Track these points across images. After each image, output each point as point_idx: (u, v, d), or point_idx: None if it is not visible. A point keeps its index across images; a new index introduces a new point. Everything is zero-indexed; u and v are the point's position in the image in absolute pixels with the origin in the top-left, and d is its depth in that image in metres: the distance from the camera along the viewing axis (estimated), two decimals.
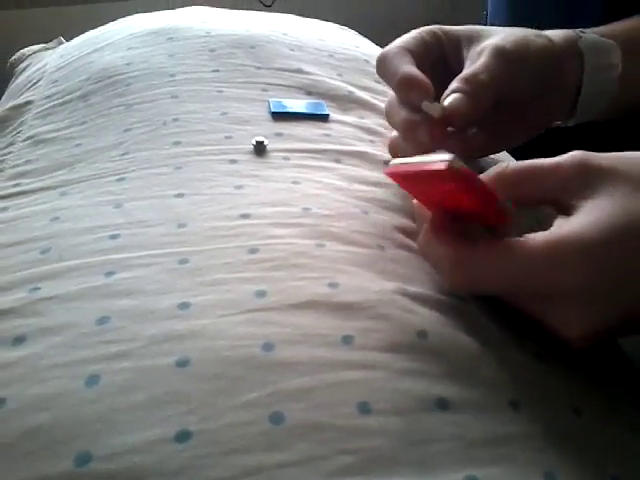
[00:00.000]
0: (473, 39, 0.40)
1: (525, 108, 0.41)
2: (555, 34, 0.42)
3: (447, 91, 0.37)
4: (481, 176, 0.31)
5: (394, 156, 0.41)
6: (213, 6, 0.70)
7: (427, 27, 0.41)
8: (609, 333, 0.29)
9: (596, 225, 0.27)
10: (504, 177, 0.31)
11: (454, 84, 0.37)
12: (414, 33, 0.41)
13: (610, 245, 0.27)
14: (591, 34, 0.42)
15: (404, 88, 0.37)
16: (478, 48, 0.39)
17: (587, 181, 0.29)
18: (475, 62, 0.38)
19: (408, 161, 0.29)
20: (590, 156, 0.30)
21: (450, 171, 0.26)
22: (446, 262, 0.29)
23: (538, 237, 0.28)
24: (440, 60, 0.41)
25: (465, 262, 0.29)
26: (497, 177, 0.31)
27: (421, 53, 0.39)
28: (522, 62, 0.38)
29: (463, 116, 0.36)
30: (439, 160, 0.27)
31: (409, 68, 0.37)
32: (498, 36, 0.39)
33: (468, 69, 0.38)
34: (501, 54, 0.37)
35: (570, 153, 0.30)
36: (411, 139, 0.37)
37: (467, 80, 0.36)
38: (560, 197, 0.29)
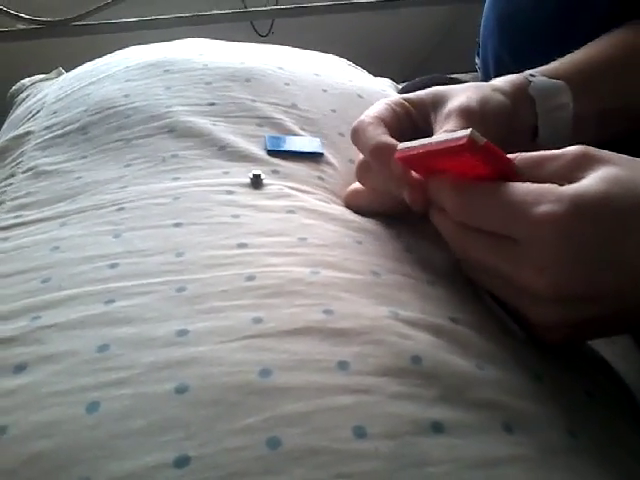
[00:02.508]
0: (438, 103, 0.42)
1: None
2: (506, 83, 0.43)
3: None
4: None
5: (350, 206, 0.42)
6: (209, 36, 0.72)
7: (393, 98, 0.43)
8: (584, 311, 0.29)
9: (585, 184, 0.29)
10: (519, 162, 0.33)
11: None
12: (384, 105, 0.42)
13: (595, 201, 0.28)
14: (540, 77, 0.44)
15: (377, 155, 0.38)
16: (445, 111, 0.40)
17: (588, 164, 0.30)
18: (443, 125, 0.39)
19: (416, 144, 0.32)
20: (591, 148, 0.31)
21: (470, 144, 0.29)
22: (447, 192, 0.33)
23: (526, 183, 0.30)
24: (409, 128, 0.42)
25: (462, 189, 0.32)
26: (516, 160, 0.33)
27: (393, 122, 0.41)
28: (483, 120, 0.40)
29: None
30: (457, 137, 0.29)
31: (385, 137, 0.38)
32: (461, 97, 0.40)
33: (440, 131, 0.39)
34: (467, 115, 0.39)
35: (572, 146, 0.32)
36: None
37: None
38: (566, 177, 0.30)
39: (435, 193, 0.34)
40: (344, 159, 0.48)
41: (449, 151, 0.30)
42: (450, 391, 0.27)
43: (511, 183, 0.31)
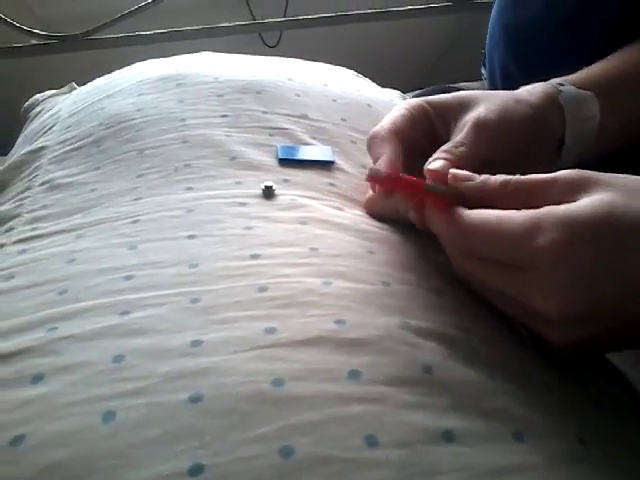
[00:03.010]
0: (461, 109, 0.42)
1: (509, 164, 0.43)
2: (535, 92, 0.44)
3: (429, 160, 0.39)
4: (490, 178, 0.35)
5: (369, 212, 0.43)
6: (218, 48, 0.73)
7: (415, 101, 0.43)
8: (593, 329, 0.30)
9: (580, 207, 0.30)
10: (509, 186, 0.34)
11: (435, 154, 0.39)
12: (403, 110, 0.42)
13: (587, 222, 0.29)
14: (569, 87, 0.44)
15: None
16: (464, 120, 0.41)
17: (584, 187, 0.31)
18: (456, 134, 0.40)
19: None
20: (585, 170, 0.32)
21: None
22: (446, 228, 0.34)
23: (524, 210, 0.31)
24: (429, 133, 0.43)
25: (459, 226, 0.33)
26: (502, 185, 0.34)
27: (409, 132, 0.41)
28: (500, 131, 0.40)
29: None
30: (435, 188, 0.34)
31: (384, 159, 0.39)
32: (480, 108, 0.41)
33: (449, 142, 0.40)
34: (481, 127, 0.39)
35: (567, 170, 0.32)
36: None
37: (447, 151, 0.39)
38: (558, 202, 0.31)
39: (432, 225, 0.35)
40: (356, 164, 0.49)
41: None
42: (461, 400, 0.28)
43: (507, 212, 0.31)
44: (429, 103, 0.43)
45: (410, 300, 0.34)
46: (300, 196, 0.43)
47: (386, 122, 0.42)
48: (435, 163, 0.37)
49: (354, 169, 0.48)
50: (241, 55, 0.70)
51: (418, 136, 0.42)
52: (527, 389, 0.29)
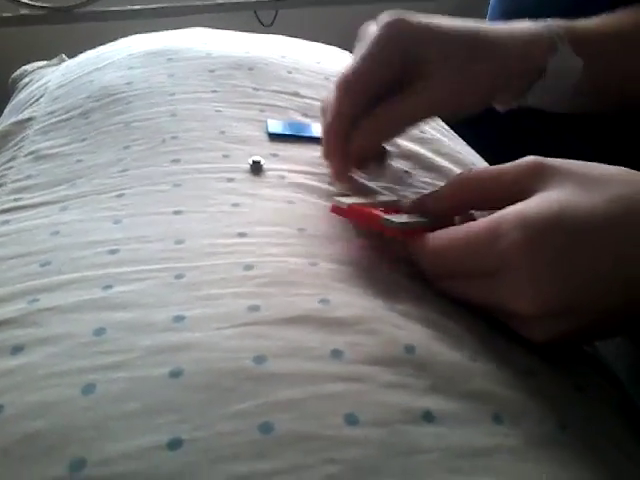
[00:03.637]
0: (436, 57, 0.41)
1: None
2: (533, 46, 0.43)
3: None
4: (448, 184, 0.36)
5: None
6: (212, 25, 0.72)
7: (398, 39, 0.40)
8: (568, 322, 0.30)
9: (537, 205, 0.30)
10: (467, 181, 0.35)
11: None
12: (380, 54, 0.40)
13: (547, 223, 0.29)
14: (566, 50, 0.44)
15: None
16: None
17: (541, 176, 0.31)
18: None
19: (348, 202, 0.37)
20: (542, 158, 0.32)
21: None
22: (415, 255, 0.34)
23: (482, 220, 0.31)
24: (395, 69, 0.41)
25: (426, 251, 0.33)
26: (460, 181, 0.35)
27: (379, 79, 0.40)
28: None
29: None
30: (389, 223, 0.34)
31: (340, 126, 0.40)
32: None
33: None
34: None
35: (526, 157, 0.33)
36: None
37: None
38: (517, 193, 0.31)
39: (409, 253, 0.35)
40: None
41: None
42: (442, 381, 0.28)
43: (466, 225, 0.32)
44: (414, 39, 0.41)
45: (397, 283, 0.34)
46: (289, 171, 0.43)
47: (361, 68, 0.40)
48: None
49: None
50: (234, 32, 0.69)
51: (383, 77, 0.41)
52: (508, 372, 0.29)
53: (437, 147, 0.51)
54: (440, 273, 0.33)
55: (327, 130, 0.41)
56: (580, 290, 0.29)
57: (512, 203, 0.31)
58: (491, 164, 0.53)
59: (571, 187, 0.30)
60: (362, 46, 0.41)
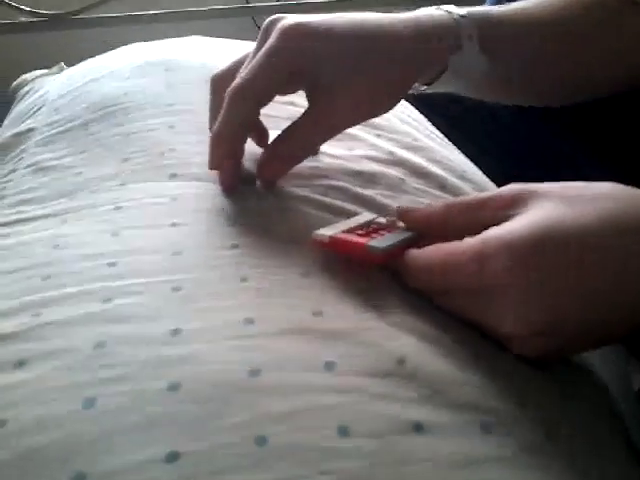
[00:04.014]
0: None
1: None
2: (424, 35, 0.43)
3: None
4: (437, 206, 0.37)
5: None
6: (211, 31, 0.73)
7: (295, 48, 0.40)
8: (556, 340, 0.31)
9: (519, 226, 0.31)
10: (456, 208, 0.35)
11: None
12: (278, 65, 0.40)
13: (531, 244, 0.30)
14: (472, 49, 0.44)
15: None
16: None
17: (524, 200, 0.32)
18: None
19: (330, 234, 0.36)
20: (525, 184, 0.33)
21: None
22: (403, 272, 0.35)
23: (467, 240, 0.32)
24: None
25: (412, 269, 0.34)
26: (449, 207, 0.36)
27: (272, 89, 0.41)
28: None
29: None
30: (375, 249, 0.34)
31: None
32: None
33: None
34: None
35: (511, 184, 0.34)
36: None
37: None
38: (502, 218, 0.32)
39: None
40: (343, 148, 0.49)
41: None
42: (432, 392, 0.28)
43: (451, 245, 0.32)
44: (310, 49, 0.40)
45: (390, 293, 0.34)
46: (283, 183, 0.43)
47: (255, 72, 0.40)
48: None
49: (340, 151, 0.49)
50: (230, 40, 0.70)
51: (276, 87, 0.41)
52: (497, 382, 0.30)
53: (429, 155, 0.51)
54: (427, 288, 0.34)
55: (217, 136, 0.41)
56: (567, 308, 0.30)
57: (498, 223, 0.32)
58: (487, 172, 0.54)
59: (552, 207, 0.31)
60: (258, 51, 0.41)
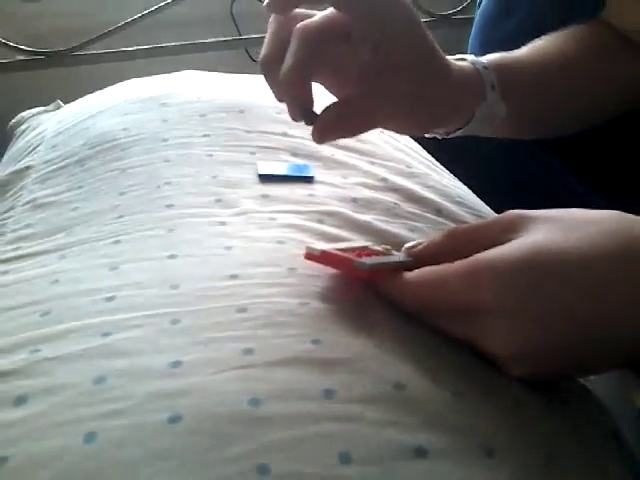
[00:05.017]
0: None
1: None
2: (469, 88, 0.46)
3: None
4: (436, 236, 0.37)
5: None
6: (205, 62, 0.74)
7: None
8: (549, 364, 0.31)
9: (508, 249, 0.31)
10: (456, 236, 0.36)
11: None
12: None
13: (517, 265, 0.30)
14: (494, 97, 0.46)
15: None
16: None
17: (520, 225, 0.33)
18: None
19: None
20: (524, 211, 0.34)
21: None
22: (395, 294, 0.35)
23: (457, 263, 0.32)
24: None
25: (405, 291, 0.35)
26: (449, 236, 0.36)
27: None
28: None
29: None
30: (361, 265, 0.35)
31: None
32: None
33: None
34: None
35: (510, 211, 0.35)
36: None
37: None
38: (497, 242, 0.33)
39: (385, 291, 0.36)
40: (337, 176, 0.50)
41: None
42: (432, 417, 0.28)
43: (443, 267, 0.33)
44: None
45: (387, 320, 0.34)
46: (279, 212, 0.44)
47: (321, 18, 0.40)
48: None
49: (335, 179, 0.49)
50: (224, 74, 0.71)
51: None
52: (496, 405, 0.30)
53: (423, 180, 0.52)
54: (419, 310, 0.35)
55: (292, 68, 0.39)
56: (555, 330, 0.30)
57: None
58: (483, 196, 0.55)
59: (546, 231, 0.31)
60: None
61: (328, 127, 0.41)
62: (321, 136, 0.41)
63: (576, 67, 0.51)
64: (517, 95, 0.48)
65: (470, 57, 0.48)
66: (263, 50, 0.42)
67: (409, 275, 0.35)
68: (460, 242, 0.35)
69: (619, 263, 0.30)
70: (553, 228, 0.32)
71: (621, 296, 0.30)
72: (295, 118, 0.41)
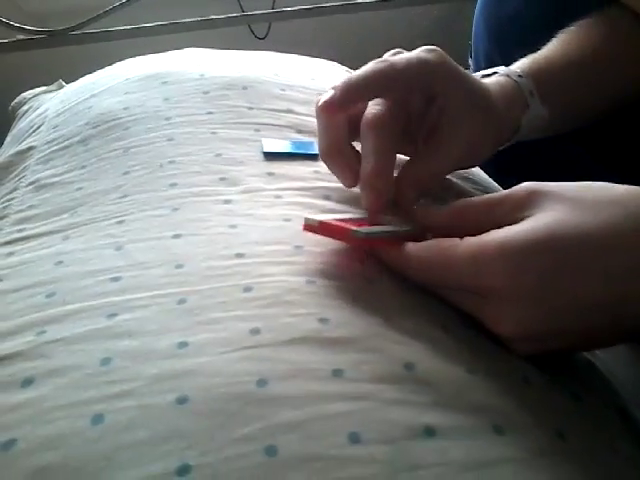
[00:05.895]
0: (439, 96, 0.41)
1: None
2: (509, 105, 0.45)
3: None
4: (446, 208, 0.37)
5: None
6: (208, 40, 0.73)
7: (387, 75, 0.39)
8: (552, 343, 0.31)
9: (518, 231, 0.30)
10: (465, 208, 0.35)
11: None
12: (384, 98, 0.39)
13: (529, 249, 0.29)
14: (536, 103, 0.47)
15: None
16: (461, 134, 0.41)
17: (535, 202, 0.32)
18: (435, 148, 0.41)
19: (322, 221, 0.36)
20: (538, 184, 0.33)
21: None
22: (399, 266, 0.35)
23: (466, 241, 0.31)
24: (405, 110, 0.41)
25: (410, 264, 0.34)
26: (459, 209, 0.35)
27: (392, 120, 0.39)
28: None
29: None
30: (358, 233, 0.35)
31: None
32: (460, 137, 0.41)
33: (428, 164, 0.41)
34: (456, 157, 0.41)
35: (521, 184, 0.33)
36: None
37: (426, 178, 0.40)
38: (513, 221, 0.32)
39: (388, 261, 0.36)
40: None
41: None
42: (442, 396, 0.28)
43: (450, 244, 0.32)
44: (418, 74, 0.40)
45: (394, 298, 0.34)
46: (285, 189, 0.43)
47: (371, 109, 0.39)
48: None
49: None
50: (227, 51, 0.70)
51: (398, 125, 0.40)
52: (507, 384, 0.30)
53: None
54: (427, 282, 0.34)
55: (375, 173, 0.37)
56: (566, 312, 0.29)
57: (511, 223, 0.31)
58: (493, 176, 0.54)
59: (562, 210, 0.30)
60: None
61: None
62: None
63: (606, 55, 0.51)
64: (557, 95, 0.48)
65: (502, 69, 0.47)
66: (321, 142, 0.40)
67: (412, 248, 0.34)
68: (469, 217, 0.35)
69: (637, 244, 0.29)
70: (571, 208, 0.30)
71: None
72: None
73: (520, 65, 0.48)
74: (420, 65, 0.39)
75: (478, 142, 0.43)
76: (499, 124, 0.44)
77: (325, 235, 0.36)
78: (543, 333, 0.30)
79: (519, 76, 0.47)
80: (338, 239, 0.36)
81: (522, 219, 0.31)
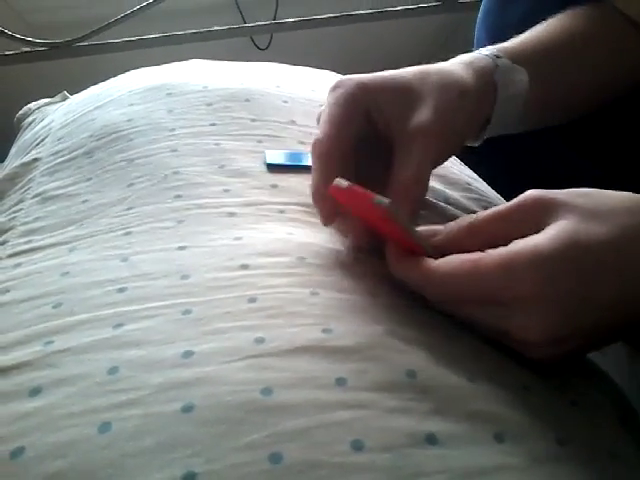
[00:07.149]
0: (403, 103, 0.42)
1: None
2: (474, 69, 0.45)
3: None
4: (454, 225, 0.36)
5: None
6: (210, 50, 0.74)
7: (353, 93, 0.42)
8: (570, 345, 0.32)
9: (547, 239, 0.31)
10: (474, 227, 0.35)
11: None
12: (343, 112, 0.41)
13: (557, 257, 0.30)
14: (505, 62, 0.46)
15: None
16: (408, 128, 0.41)
17: (546, 210, 0.33)
18: (404, 150, 0.41)
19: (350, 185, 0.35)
20: (544, 192, 0.33)
21: (384, 214, 0.33)
22: (418, 282, 0.34)
23: (494, 253, 0.32)
24: (364, 122, 0.42)
25: (432, 279, 0.33)
26: (469, 226, 0.35)
27: (349, 136, 0.41)
28: (447, 139, 0.43)
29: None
30: (380, 202, 0.33)
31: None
32: (423, 113, 0.41)
33: (399, 176, 0.40)
34: (430, 138, 0.41)
35: (526, 192, 0.34)
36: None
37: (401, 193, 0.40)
38: (526, 230, 0.32)
39: (405, 278, 0.35)
40: None
41: (370, 206, 0.34)
42: (443, 403, 0.29)
43: (477, 258, 0.32)
44: (364, 88, 0.42)
45: (397, 310, 0.35)
46: (288, 204, 0.44)
47: (326, 128, 0.41)
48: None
49: None
50: (230, 62, 0.71)
51: (356, 132, 0.42)
52: (508, 392, 0.30)
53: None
54: (444, 300, 0.34)
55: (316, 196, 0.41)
56: (586, 314, 0.31)
57: (521, 236, 0.32)
58: (489, 181, 0.55)
59: (577, 220, 0.31)
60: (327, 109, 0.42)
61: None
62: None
63: (590, 41, 0.51)
64: (533, 63, 0.47)
65: (475, 52, 0.48)
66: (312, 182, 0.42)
67: (432, 263, 0.34)
68: (481, 231, 0.35)
69: None
70: (585, 216, 0.32)
71: None
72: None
73: (498, 46, 0.48)
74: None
75: (451, 119, 0.42)
76: (471, 92, 0.44)
77: (347, 202, 0.36)
78: (567, 336, 0.31)
79: (495, 56, 0.46)
80: (358, 207, 0.36)
81: (539, 226, 0.32)
